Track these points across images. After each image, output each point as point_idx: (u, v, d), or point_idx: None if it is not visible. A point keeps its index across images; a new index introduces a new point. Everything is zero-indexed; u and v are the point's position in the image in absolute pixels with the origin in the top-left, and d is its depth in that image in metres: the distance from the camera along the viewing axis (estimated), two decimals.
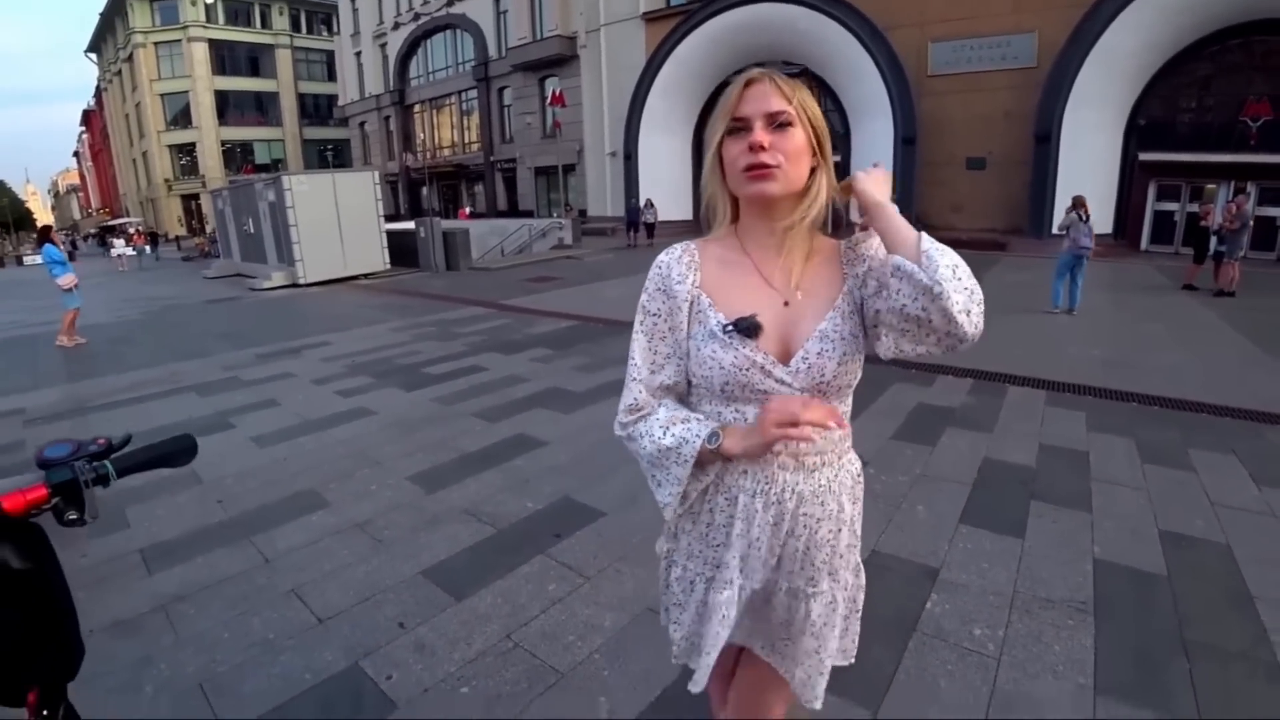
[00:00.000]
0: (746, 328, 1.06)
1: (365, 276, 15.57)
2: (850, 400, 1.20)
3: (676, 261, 1.14)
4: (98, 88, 58.13)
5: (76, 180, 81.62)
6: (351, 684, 2.20)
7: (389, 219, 18.31)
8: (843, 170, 1.14)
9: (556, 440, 4.43)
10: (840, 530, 1.18)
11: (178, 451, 1.11)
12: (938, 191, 18.80)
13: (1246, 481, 3.58)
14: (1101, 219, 15.63)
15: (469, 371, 6.45)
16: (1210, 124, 15.94)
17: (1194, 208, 14.43)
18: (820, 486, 1.14)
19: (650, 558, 2.65)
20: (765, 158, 1.03)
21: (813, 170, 1.10)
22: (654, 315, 1.15)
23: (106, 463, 1.01)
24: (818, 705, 1.25)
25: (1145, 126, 16.65)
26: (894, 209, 1.05)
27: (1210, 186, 15.75)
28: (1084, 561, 2.81)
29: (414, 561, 2.96)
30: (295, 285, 14.48)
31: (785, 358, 1.09)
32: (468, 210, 19.38)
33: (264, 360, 7.44)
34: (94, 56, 53.80)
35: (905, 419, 4.64)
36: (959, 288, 0.97)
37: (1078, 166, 15.73)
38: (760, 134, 1.03)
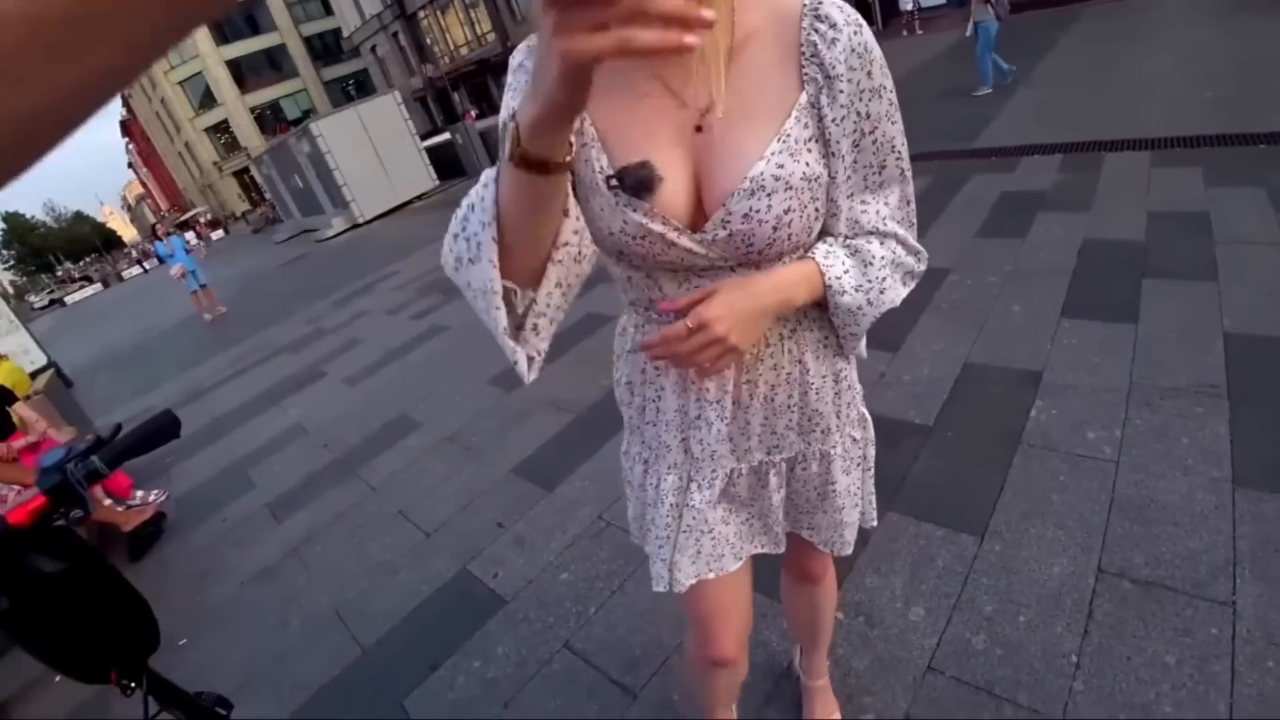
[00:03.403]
0: (635, 183, 0.73)
1: (419, 198, 15.65)
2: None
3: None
4: (123, 96, 59.08)
5: (141, 189, 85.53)
6: (463, 587, 2.33)
7: (428, 135, 18.04)
8: None
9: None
10: (806, 392, 0.92)
11: (160, 430, 1.08)
12: None
13: None
14: None
15: None
16: None
17: None
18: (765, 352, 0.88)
19: None
20: None
21: None
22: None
23: (94, 459, 1.00)
24: (848, 551, 1.10)
25: None
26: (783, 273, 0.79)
27: None
28: (1213, 338, 2.47)
29: (504, 462, 3.05)
30: (356, 226, 14.79)
31: (697, 217, 0.76)
32: (474, 114, 18.62)
33: (341, 304, 7.72)
34: None
35: (990, 212, 4.20)
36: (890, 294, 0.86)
37: None
38: None
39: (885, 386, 2.70)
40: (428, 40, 35.21)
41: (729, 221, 0.73)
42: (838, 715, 1.52)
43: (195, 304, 10.29)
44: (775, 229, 0.74)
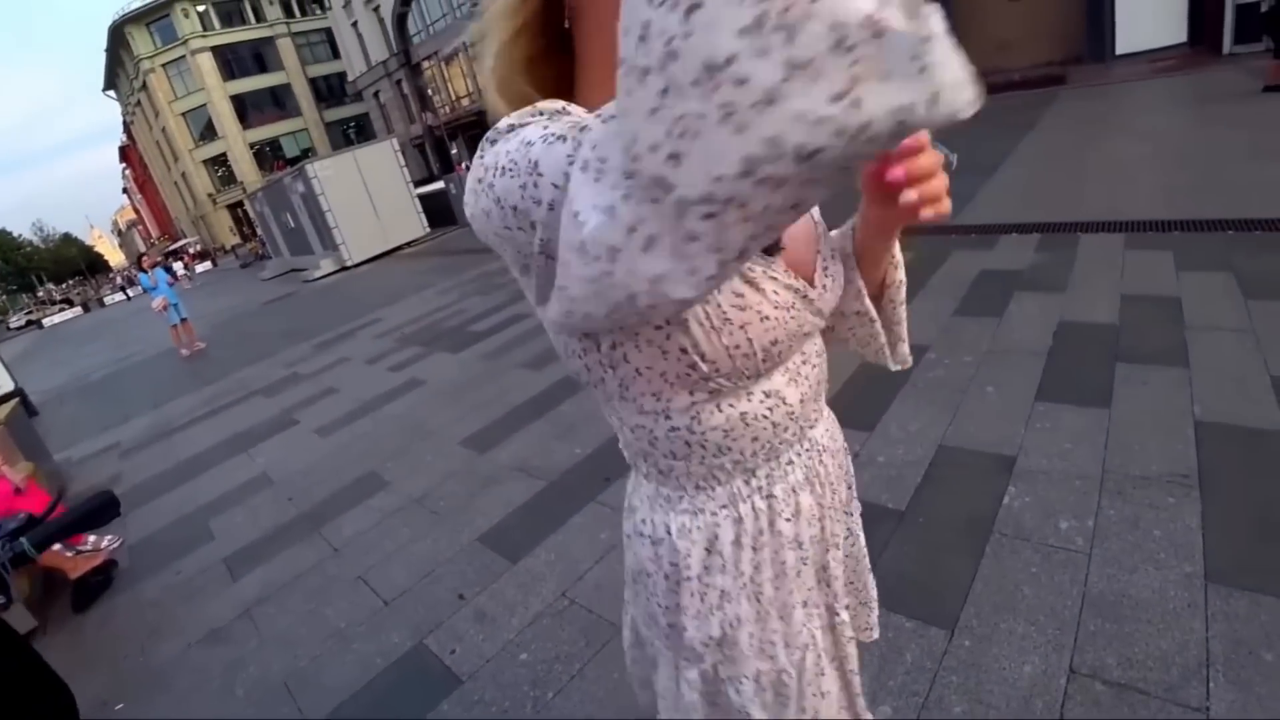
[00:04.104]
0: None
1: (409, 245, 15.74)
2: None
3: None
4: (124, 122, 59.68)
5: (133, 215, 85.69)
6: (419, 662, 2.23)
7: (423, 182, 18.23)
8: None
9: None
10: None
11: (97, 510, 1.04)
12: (978, 28, 16.98)
13: None
14: (1173, 26, 13.84)
15: (513, 321, 6.41)
16: None
17: None
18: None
19: None
20: None
21: None
22: None
23: (23, 541, 0.95)
24: (875, 635, 1.05)
25: None
26: None
27: None
28: (1184, 426, 2.49)
29: (470, 529, 2.97)
30: (344, 268, 14.80)
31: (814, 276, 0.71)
32: (463, 165, 18.89)
33: (322, 349, 7.64)
34: (113, 93, 54.85)
35: (967, 290, 4.27)
36: None
37: None
38: None
39: (860, 467, 2.67)
40: (429, 90, 36.14)
41: (828, 270, 0.72)
42: None
43: (174, 338, 10.17)
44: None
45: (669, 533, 0.76)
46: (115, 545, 3.60)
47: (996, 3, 16.66)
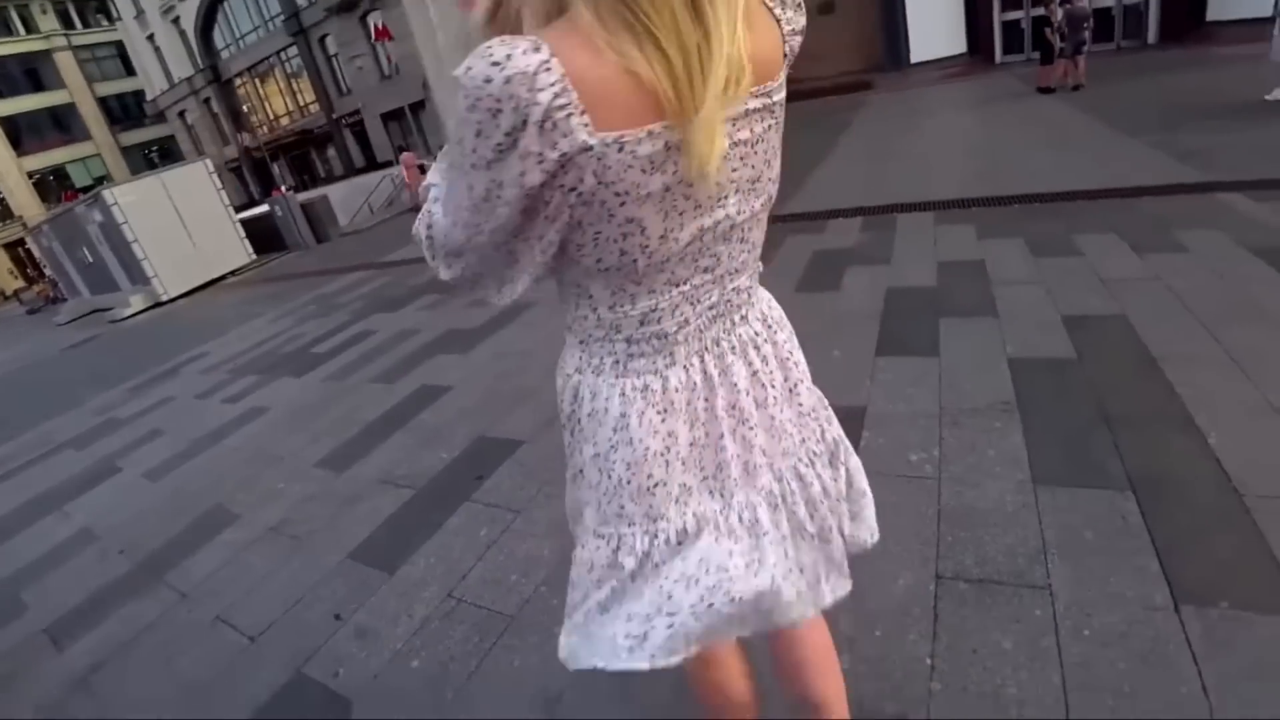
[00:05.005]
0: None
1: (233, 274, 14.37)
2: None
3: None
4: None
5: None
6: (297, 694, 2.02)
7: (244, 207, 16.75)
8: None
9: (460, 382, 4.23)
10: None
11: None
12: None
13: (1129, 254, 3.74)
14: (955, 38, 15.82)
15: (358, 339, 6.05)
16: None
17: (1039, 11, 14.77)
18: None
19: None
20: None
21: None
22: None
23: None
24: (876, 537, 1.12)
25: None
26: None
27: None
28: (1000, 363, 2.87)
29: (338, 549, 2.75)
30: (159, 304, 13.20)
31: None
32: (284, 188, 17.72)
33: (138, 392, 6.75)
34: None
35: (805, 268, 4.63)
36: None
37: None
38: None
39: None
40: (245, 108, 33.19)
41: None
42: None
43: None
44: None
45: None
46: None
47: (808, 19, 18.12)
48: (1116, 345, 2.84)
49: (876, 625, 1.75)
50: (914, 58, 16.31)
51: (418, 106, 24.93)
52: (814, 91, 14.34)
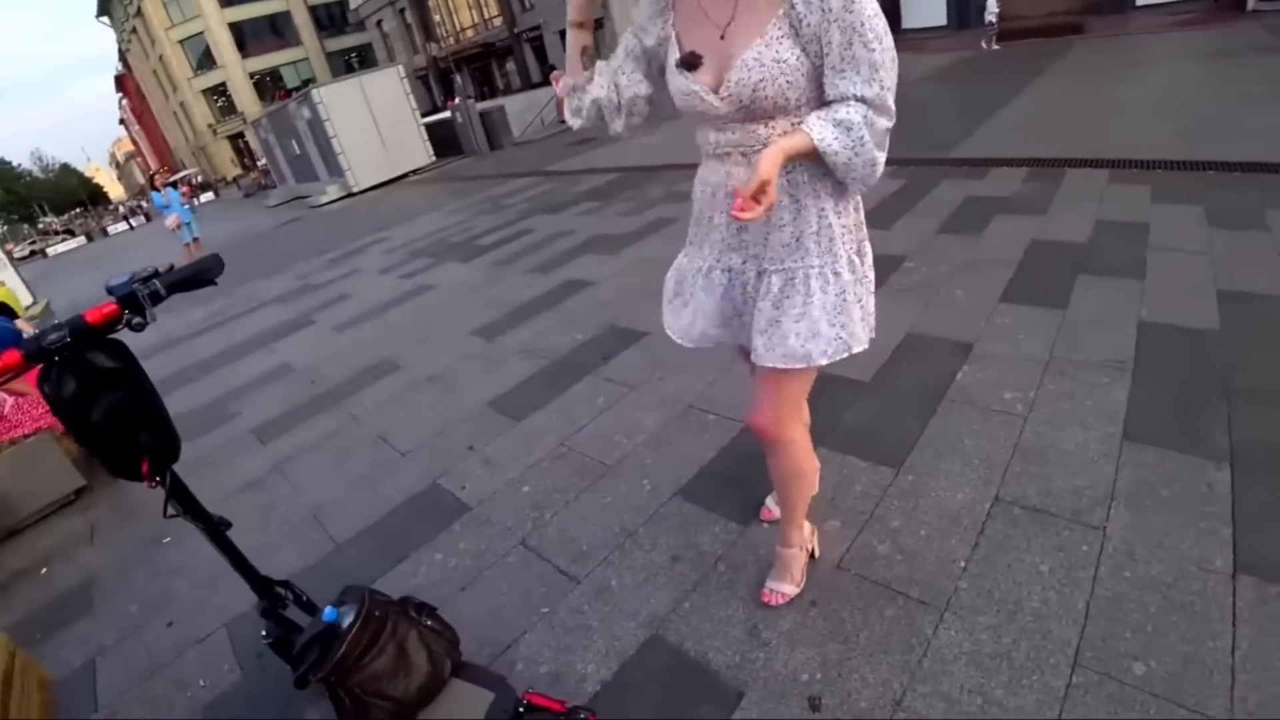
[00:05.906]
0: (686, 62, 1.26)
1: (414, 173, 15.76)
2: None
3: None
4: (120, 51, 57.71)
5: (131, 147, 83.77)
6: (432, 498, 2.54)
7: (428, 113, 18.02)
8: None
9: (602, 280, 4.64)
10: (795, 218, 1.33)
11: (209, 268, 1.29)
12: None
13: None
14: None
15: (520, 235, 6.68)
16: None
17: None
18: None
19: (693, 361, 2.83)
20: None
21: None
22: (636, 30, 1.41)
23: (156, 281, 1.20)
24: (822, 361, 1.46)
25: None
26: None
27: None
28: (1128, 325, 2.73)
29: (478, 398, 3.28)
30: (350, 195, 14.87)
31: (719, 85, 1.24)
32: (456, 99, 18.61)
33: (333, 264, 7.87)
34: (107, 20, 52.68)
35: (953, 213, 4.48)
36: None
37: None
38: None
39: None
40: (435, 19, 35.05)
41: (728, 86, 1.21)
42: (789, 589, 1.76)
43: (187, 256, 10.37)
44: (754, 91, 1.19)
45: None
46: None
47: None
48: (1270, 324, 2.61)
49: (923, 525, 1.91)
50: None
51: (597, 23, 25.15)
52: (1014, 33, 12.97)
